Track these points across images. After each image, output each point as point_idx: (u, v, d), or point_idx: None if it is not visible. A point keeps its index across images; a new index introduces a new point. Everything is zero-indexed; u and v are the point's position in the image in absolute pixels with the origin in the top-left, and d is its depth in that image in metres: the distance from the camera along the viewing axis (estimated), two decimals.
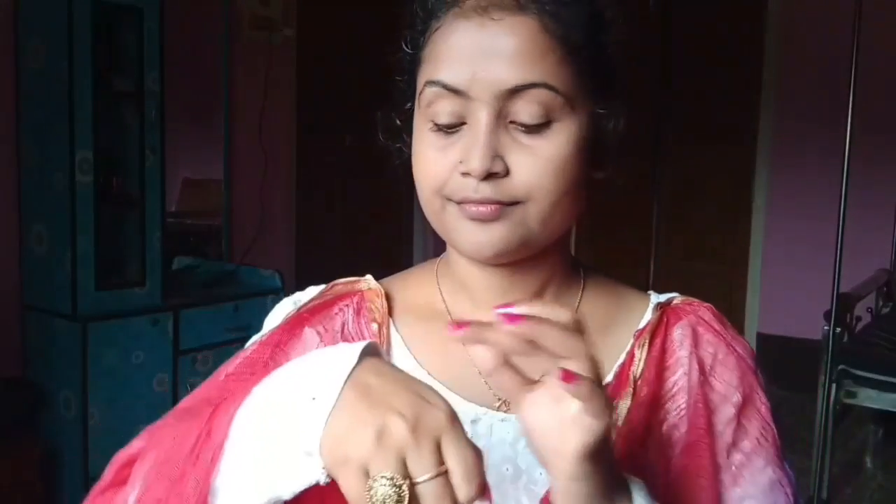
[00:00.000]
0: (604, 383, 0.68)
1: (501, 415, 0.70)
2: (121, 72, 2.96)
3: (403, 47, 0.70)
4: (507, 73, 0.62)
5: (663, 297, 0.75)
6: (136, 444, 0.61)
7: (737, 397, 0.69)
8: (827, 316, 2.86)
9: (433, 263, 0.79)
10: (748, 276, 4.78)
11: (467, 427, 0.67)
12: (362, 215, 4.46)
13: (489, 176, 0.63)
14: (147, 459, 0.58)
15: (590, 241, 4.91)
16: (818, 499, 2.91)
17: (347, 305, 0.74)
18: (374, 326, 0.73)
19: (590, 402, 0.51)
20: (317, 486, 0.52)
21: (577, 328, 0.52)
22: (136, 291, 2.99)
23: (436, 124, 0.65)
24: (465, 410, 0.69)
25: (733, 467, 0.67)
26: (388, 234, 4.75)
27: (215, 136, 3.72)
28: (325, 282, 0.80)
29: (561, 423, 0.52)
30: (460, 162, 0.64)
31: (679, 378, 0.69)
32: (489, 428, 0.69)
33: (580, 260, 0.78)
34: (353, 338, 0.73)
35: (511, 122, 0.63)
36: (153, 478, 0.57)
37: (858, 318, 3.29)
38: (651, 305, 0.74)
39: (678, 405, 0.68)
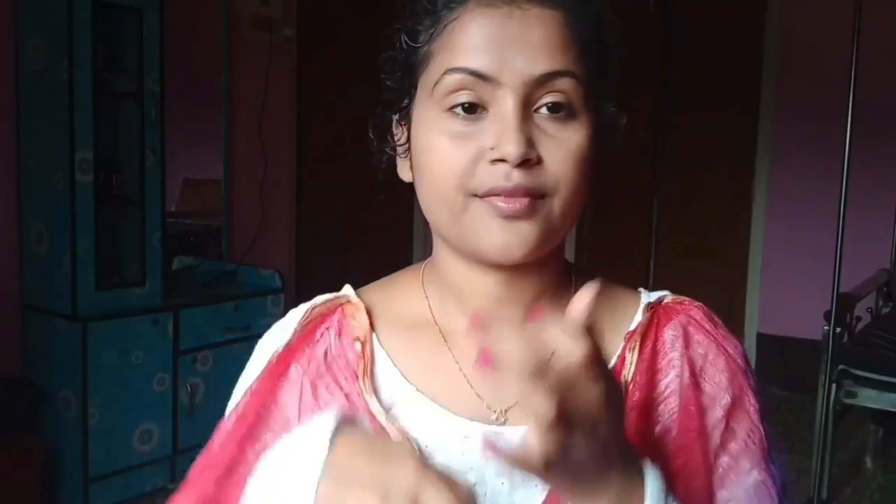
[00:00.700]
0: None
1: (495, 427, 0.69)
2: (121, 72, 2.96)
3: (402, 42, 0.68)
4: (537, 61, 0.62)
5: (654, 297, 0.74)
6: None
7: (726, 399, 0.68)
8: (827, 316, 2.85)
9: (418, 269, 0.77)
10: (748, 276, 4.78)
11: (458, 444, 0.67)
12: (362, 215, 4.46)
13: (523, 163, 0.61)
14: None
15: (589, 241, 4.91)
16: (818, 499, 2.91)
17: (328, 328, 0.73)
18: (358, 346, 0.72)
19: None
20: None
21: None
22: (136, 291, 2.99)
23: (454, 112, 0.64)
24: (456, 425, 0.69)
25: (720, 469, 0.66)
26: (387, 234, 4.75)
27: (215, 136, 3.72)
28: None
29: None
30: (491, 149, 0.62)
31: (671, 380, 0.68)
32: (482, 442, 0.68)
33: (571, 263, 0.77)
34: (336, 363, 0.71)
35: (535, 111, 0.63)
36: None
37: (858, 318, 3.29)
38: (641, 306, 0.73)
39: (671, 408, 0.67)
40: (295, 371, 0.72)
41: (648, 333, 0.70)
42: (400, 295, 0.76)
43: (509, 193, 0.62)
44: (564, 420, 0.49)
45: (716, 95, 4.79)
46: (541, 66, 0.62)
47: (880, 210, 4.11)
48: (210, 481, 0.69)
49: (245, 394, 0.73)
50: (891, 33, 4.03)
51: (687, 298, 0.74)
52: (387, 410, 0.69)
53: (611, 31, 0.68)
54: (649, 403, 0.67)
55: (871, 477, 3.48)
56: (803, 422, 3.79)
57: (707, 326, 0.71)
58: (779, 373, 4.25)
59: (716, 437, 0.66)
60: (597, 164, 0.66)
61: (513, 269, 0.67)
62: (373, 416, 0.68)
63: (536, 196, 0.63)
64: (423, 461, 0.51)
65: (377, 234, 4.63)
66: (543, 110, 0.63)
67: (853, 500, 3.26)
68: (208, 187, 3.83)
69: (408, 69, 0.69)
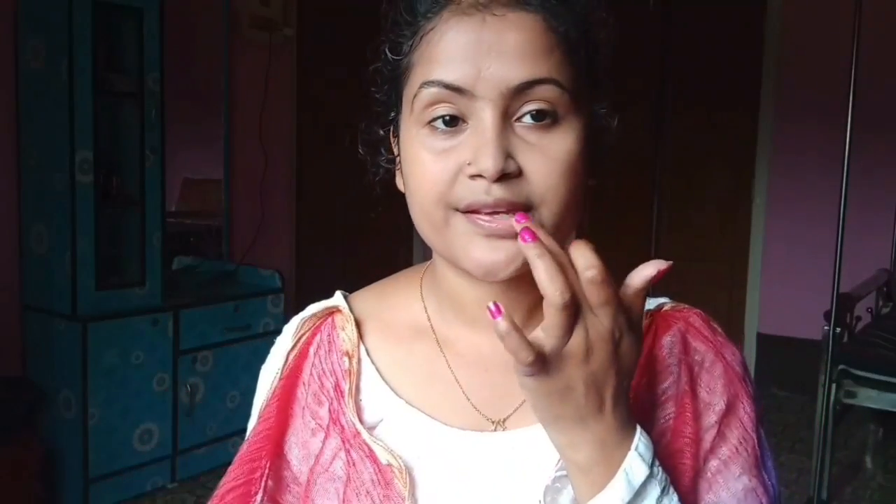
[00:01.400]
0: None
1: (489, 434, 0.68)
2: (121, 72, 2.96)
3: (384, 55, 0.66)
4: (515, 70, 0.59)
5: (653, 304, 0.72)
6: None
7: (720, 405, 0.67)
8: (827, 316, 2.86)
9: (416, 273, 0.76)
10: (748, 276, 4.78)
11: (451, 455, 0.67)
12: (362, 215, 4.46)
13: (502, 177, 0.59)
14: None
15: (589, 242, 4.90)
16: (818, 499, 2.91)
17: (319, 346, 0.72)
18: (345, 361, 0.70)
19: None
20: None
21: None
22: (136, 291, 2.99)
23: (434, 126, 0.61)
24: (450, 436, 0.68)
25: (709, 473, 0.66)
26: (387, 234, 4.75)
27: (215, 136, 3.72)
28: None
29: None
30: (468, 164, 0.60)
31: (668, 386, 0.68)
32: (477, 452, 0.67)
33: None
34: (328, 380, 0.70)
35: (517, 120, 0.60)
36: None
37: (858, 318, 3.29)
38: None
39: (667, 413, 0.67)
40: (297, 409, 0.71)
41: (646, 340, 0.69)
42: (395, 301, 0.75)
43: (490, 209, 0.60)
44: (569, 322, 0.53)
45: (716, 95, 4.80)
46: (519, 74, 0.59)
47: (880, 210, 4.11)
48: None
49: (257, 432, 0.72)
50: (891, 33, 4.03)
51: (686, 305, 0.73)
52: (372, 427, 0.69)
53: (601, 29, 0.66)
54: (646, 409, 0.67)
55: (871, 477, 3.48)
56: (803, 422, 3.79)
57: (705, 333, 0.70)
58: (779, 373, 4.25)
59: (706, 441, 0.66)
60: (588, 169, 0.64)
61: (508, 280, 0.64)
62: (359, 434, 0.67)
63: (520, 210, 0.60)
64: None
65: (377, 234, 4.63)
66: (526, 118, 0.60)
67: (853, 500, 3.26)
68: (208, 187, 3.83)
69: (392, 82, 0.67)
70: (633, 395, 0.67)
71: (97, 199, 2.84)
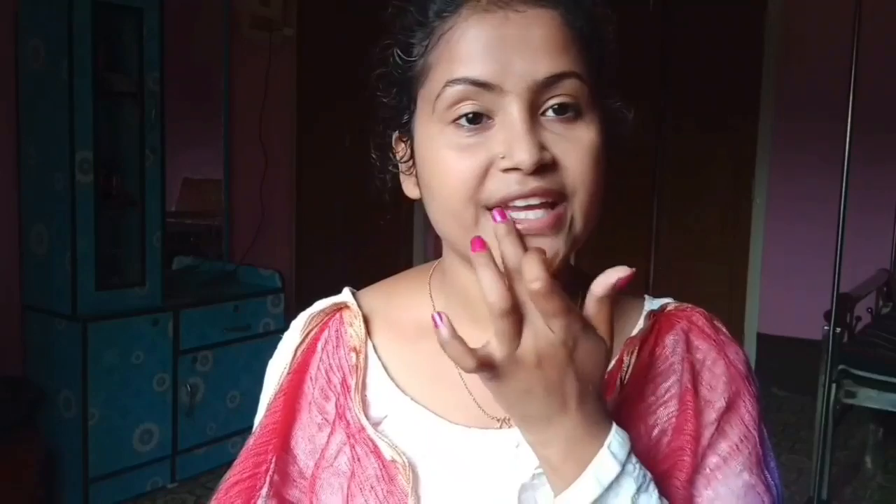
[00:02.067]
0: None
1: (493, 432, 0.69)
2: (121, 72, 2.96)
3: (395, 58, 0.66)
4: (540, 64, 0.60)
5: (656, 304, 0.73)
6: None
7: (721, 403, 0.68)
8: (827, 316, 2.85)
9: (426, 272, 0.76)
10: (748, 276, 4.78)
11: (456, 451, 0.67)
12: (362, 215, 4.46)
13: (538, 169, 0.59)
14: None
15: (589, 241, 4.90)
16: (818, 499, 2.91)
17: (327, 342, 0.73)
18: (353, 357, 0.71)
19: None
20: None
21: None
22: (136, 291, 2.99)
23: (459, 124, 0.62)
24: (453, 433, 0.68)
25: (707, 469, 0.66)
26: (387, 235, 4.75)
27: (215, 136, 3.72)
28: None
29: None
30: (502, 157, 0.60)
31: (671, 384, 0.68)
32: (481, 449, 0.68)
33: (578, 268, 0.76)
34: (335, 375, 0.71)
35: (542, 114, 0.62)
36: None
37: (858, 318, 3.29)
38: (644, 312, 0.73)
39: (669, 411, 0.67)
40: (304, 403, 0.72)
41: (648, 339, 0.70)
42: (403, 299, 0.75)
43: (526, 198, 0.60)
44: (513, 329, 0.54)
45: (716, 95, 4.80)
46: (544, 68, 0.60)
47: (880, 210, 4.11)
48: None
49: (264, 426, 0.72)
50: (891, 33, 4.03)
51: (689, 305, 0.73)
52: (377, 423, 0.69)
53: (607, 25, 0.67)
54: (646, 407, 0.67)
55: (871, 477, 3.48)
56: (803, 422, 3.79)
57: (708, 332, 0.71)
58: (779, 373, 4.24)
59: (705, 437, 0.66)
60: (608, 163, 0.65)
61: None
62: (364, 430, 0.68)
63: (556, 199, 0.61)
64: None
65: (377, 234, 4.63)
66: (550, 113, 0.61)
67: (853, 500, 3.26)
68: (208, 187, 3.83)
69: (404, 84, 0.67)
70: (636, 394, 0.68)
71: (97, 199, 2.84)
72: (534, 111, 0.61)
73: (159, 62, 2.98)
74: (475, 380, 0.70)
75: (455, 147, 0.62)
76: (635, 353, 0.69)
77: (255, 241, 3.76)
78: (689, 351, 0.69)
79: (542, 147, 0.60)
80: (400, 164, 0.70)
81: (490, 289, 0.53)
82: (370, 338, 0.73)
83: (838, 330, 2.85)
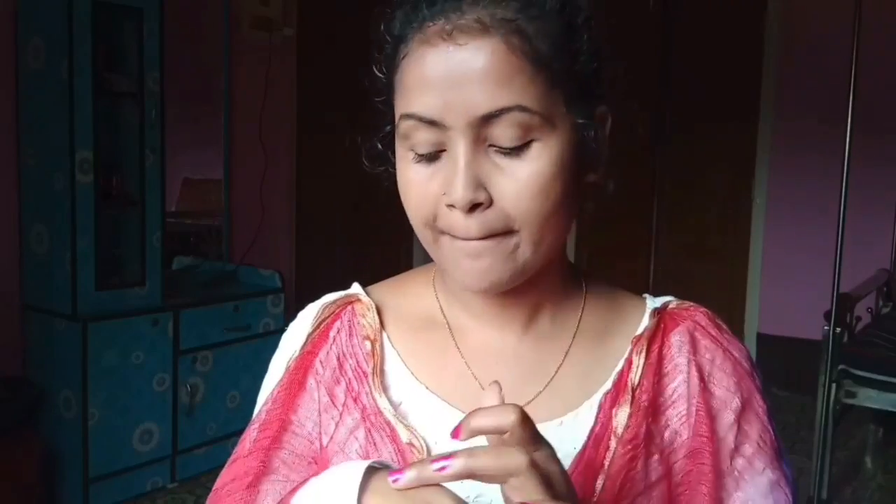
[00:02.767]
0: (603, 391, 0.68)
1: None
2: (121, 72, 2.96)
3: (376, 72, 0.68)
4: (479, 99, 0.59)
5: (658, 302, 0.74)
6: None
7: (736, 402, 0.69)
8: (827, 316, 2.85)
9: (429, 271, 0.77)
10: (748, 276, 4.78)
11: (467, 441, 0.67)
12: (362, 215, 4.46)
13: (473, 208, 0.61)
14: None
15: (589, 241, 4.91)
16: (818, 499, 2.91)
17: (339, 330, 0.74)
18: (367, 345, 0.72)
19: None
20: None
21: (523, 422, 0.53)
22: (136, 291, 2.99)
23: (417, 154, 0.63)
24: None
25: (736, 472, 0.67)
26: (387, 234, 4.75)
27: (215, 136, 3.72)
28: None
29: None
30: (444, 194, 0.62)
31: (679, 385, 0.68)
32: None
33: (580, 267, 0.77)
34: (348, 363, 0.72)
35: (490, 145, 0.61)
36: None
37: (858, 318, 3.29)
38: (648, 311, 0.73)
39: (679, 411, 0.68)
40: (312, 382, 0.72)
41: (655, 338, 0.70)
42: (410, 294, 0.76)
43: (465, 237, 0.62)
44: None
45: (716, 96, 4.80)
46: (484, 104, 0.59)
47: (880, 210, 4.11)
48: (241, 489, 0.70)
49: (267, 401, 0.74)
50: (891, 34, 4.03)
51: (691, 304, 0.74)
52: (395, 408, 0.70)
53: (582, 35, 0.63)
54: (656, 407, 0.68)
55: (871, 477, 3.48)
56: (803, 422, 3.80)
57: (712, 331, 0.71)
58: (779, 373, 4.24)
59: (729, 440, 0.67)
60: (578, 174, 0.64)
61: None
62: (381, 413, 0.69)
63: (498, 234, 0.62)
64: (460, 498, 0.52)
65: (377, 234, 4.63)
66: (497, 144, 0.61)
67: (853, 500, 3.26)
68: (208, 187, 3.83)
69: (387, 96, 0.68)
70: (648, 394, 0.68)
71: (97, 199, 2.84)
72: (478, 144, 0.61)
73: (159, 62, 2.98)
74: (483, 371, 0.71)
75: (414, 174, 0.64)
76: (644, 353, 0.69)
77: (255, 241, 3.76)
78: (695, 352, 0.70)
79: (478, 185, 0.61)
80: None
81: (494, 464, 0.53)
82: (383, 328, 0.74)
83: (838, 330, 2.85)
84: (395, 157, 0.69)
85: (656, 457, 0.66)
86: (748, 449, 0.68)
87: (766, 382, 0.73)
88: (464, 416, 0.69)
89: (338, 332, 0.74)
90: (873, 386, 2.88)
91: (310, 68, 4.17)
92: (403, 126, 0.63)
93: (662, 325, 0.71)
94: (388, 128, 0.69)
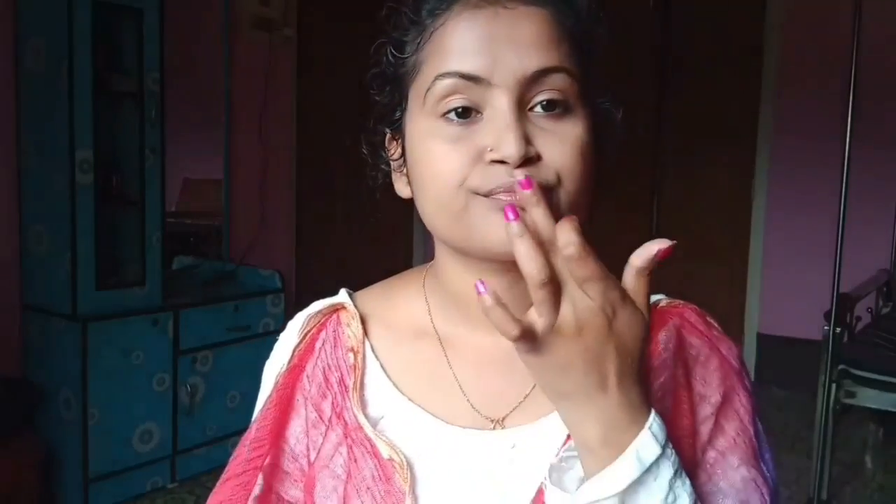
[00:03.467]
0: None
1: (488, 433, 0.69)
2: (121, 72, 2.96)
3: (388, 56, 0.68)
4: (529, 58, 0.61)
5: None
6: None
7: (716, 397, 0.68)
8: (827, 316, 2.85)
9: (419, 274, 0.77)
10: (748, 276, 4.78)
11: (452, 451, 0.68)
12: (362, 215, 4.46)
13: (524, 162, 0.60)
14: None
15: (588, 241, 4.90)
16: (818, 499, 2.91)
17: (325, 342, 0.73)
18: (351, 357, 0.72)
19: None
20: None
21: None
22: (136, 291, 2.99)
23: (448, 118, 0.63)
24: (449, 434, 0.69)
25: (707, 464, 0.66)
26: (387, 234, 4.75)
27: (215, 136, 3.72)
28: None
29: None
30: (490, 150, 0.61)
31: (665, 381, 0.68)
32: (477, 450, 0.68)
33: None
34: (333, 375, 0.72)
35: (530, 109, 0.63)
36: None
37: (858, 318, 3.29)
38: None
39: (664, 407, 0.67)
40: (300, 398, 0.72)
41: None
42: (399, 300, 0.76)
43: (512, 191, 0.60)
44: (552, 299, 0.53)
45: (716, 95, 4.79)
46: (533, 63, 0.61)
47: (880, 210, 4.11)
48: None
49: (257, 418, 0.73)
50: (891, 34, 4.03)
51: (681, 301, 0.74)
52: (375, 423, 0.69)
53: (598, 26, 0.68)
54: None
55: (871, 477, 3.48)
56: (803, 422, 3.79)
57: (700, 328, 0.71)
58: (779, 373, 4.25)
59: (703, 433, 0.67)
60: (597, 160, 0.66)
61: (516, 271, 0.65)
62: (361, 429, 0.68)
63: (542, 191, 0.60)
64: None
65: (377, 234, 4.63)
66: (538, 108, 0.62)
67: (853, 500, 3.26)
68: (208, 187, 3.83)
69: (397, 81, 0.68)
70: None
71: (97, 199, 2.84)
72: (522, 105, 0.62)
73: (159, 62, 2.98)
74: (470, 381, 0.71)
75: (445, 139, 0.63)
76: None
77: (255, 241, 3.77)
78: (680, 348, 0.70)
79: (528, 141, 0.61)
80: (392, 163, 0.71)
81: (527, 259, 0.52)
82: (367, 338, 0.73)
83: (838, 330, 2.85)
84: (398, 146, 0.69)
85: None
86: (722, 443, 0.67)
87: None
88: (449, 427, 0.68)
89: (323, 343, 0.73)
90: (873, 386, 2.88)
91: (310, 68, 4.17)
92: (439, 87, 0.63)
93: (651, 324, 0.71)
94: (398, 114, 0.69)
